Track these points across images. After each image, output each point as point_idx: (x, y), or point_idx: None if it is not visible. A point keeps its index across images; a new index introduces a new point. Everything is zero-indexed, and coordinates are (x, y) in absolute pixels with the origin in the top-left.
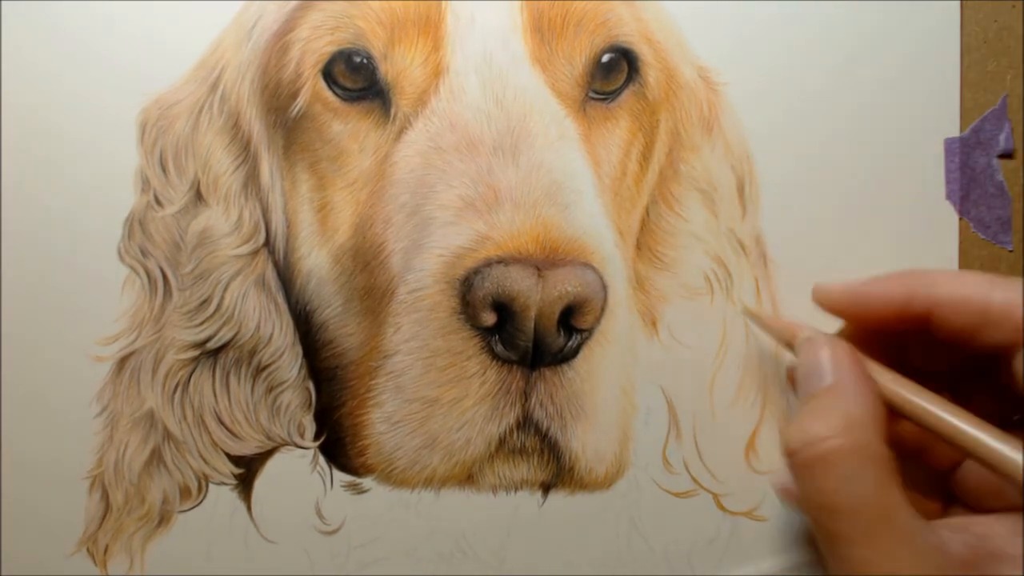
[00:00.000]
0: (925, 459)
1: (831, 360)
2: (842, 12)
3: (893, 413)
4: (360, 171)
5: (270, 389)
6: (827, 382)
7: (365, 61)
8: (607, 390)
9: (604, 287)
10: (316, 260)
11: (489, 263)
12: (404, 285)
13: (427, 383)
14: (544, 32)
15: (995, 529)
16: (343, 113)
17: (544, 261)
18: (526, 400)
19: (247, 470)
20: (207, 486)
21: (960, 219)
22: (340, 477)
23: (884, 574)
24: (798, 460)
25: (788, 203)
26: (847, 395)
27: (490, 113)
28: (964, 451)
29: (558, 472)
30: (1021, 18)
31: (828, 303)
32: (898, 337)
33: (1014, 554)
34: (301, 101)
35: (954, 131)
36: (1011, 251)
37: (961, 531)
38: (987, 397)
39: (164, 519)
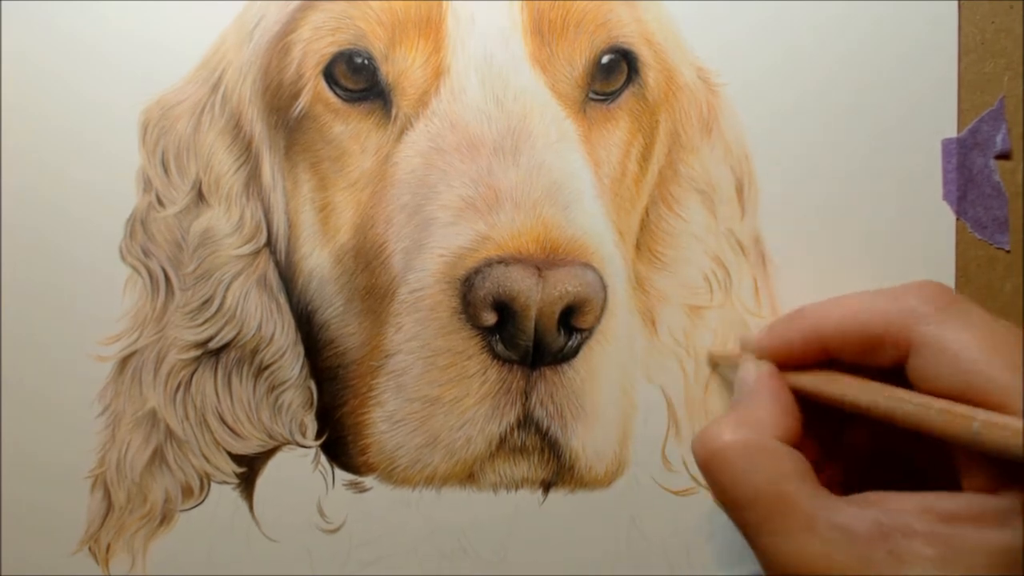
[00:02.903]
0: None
1: (753, 373)
2: (840, 13)
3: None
4: (361, 172)
5: (272, 388)
6: (746, 391)
7: (366, 62)
8: (607, 389)
9: (604, 287)
10: (318, 260)
11: (490, 263)
12: (405, 285)
13: (428, 382)
14: (544, 33)
15: (905, 505)
16: (344, 114)
17: (544, 261)
18: (526, 399)
19: (249, 469)
20: (209, 485)
21: (957, 220)
22: (342, 476)
23: (792, 558)
24: (698, 460)
25: (786, 204)
26: (749, 402)
27: (490, 114)
28: (885, 419)
29: (558, 470)
30: (1019, 19)
31: (756, 351)
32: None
33: (921, 530)
34: (303, 102)
35: (951, 132)
36: (1008, 252)
37: (872, 506)
38: None
39: (166, 518)
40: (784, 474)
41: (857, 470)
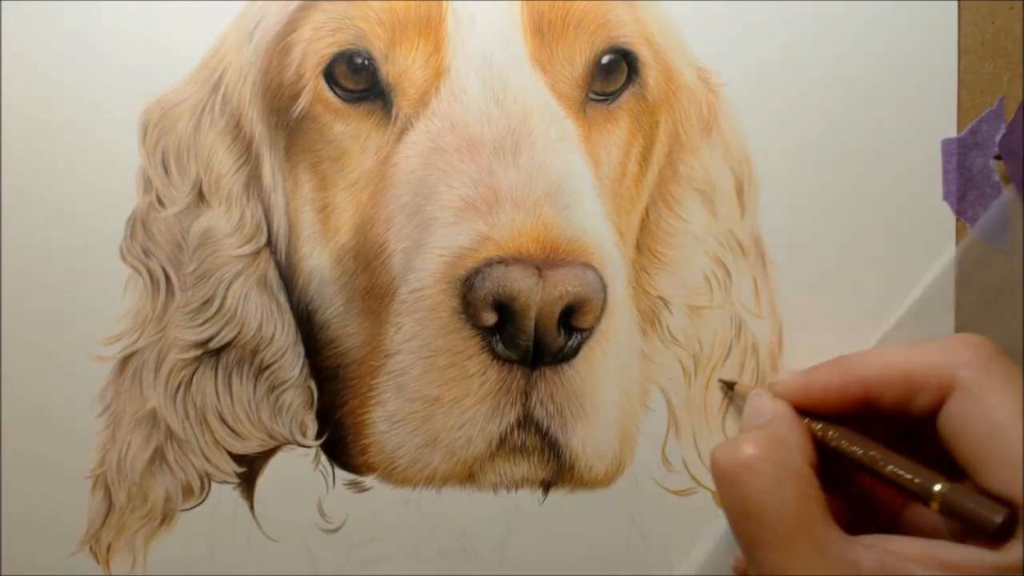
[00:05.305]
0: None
1: (771, 406)
2: (840, 13)
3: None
4: (361, 172)
5: (272, 388)
6: (763, 420)
7: (366, 62)
8: (607, 389)
9: (604, 287)
10: (318, 260)
11: (490, 263)
12: (405, 285)
13: (428, 382)
14: (544, 33)
15: (907, 549)
16: (344, 114)
17: (544, 261)
18: (526, 399)
19: (249, 469)
20: (209, 485)
21: (957, 220)
22: (342, 476)
23: None
24: (723, 468)
25: (786, 204)
26: (775, 426)
27: (490, 114)
28: (883, 479)
29: (558, 470)
30: (1019, 19)
31: (781, 394)
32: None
33: (921, 574)
34: (303, 102)
35: (951, 132)
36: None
37: (875, 547)
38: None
39: (167, 518)
40: (810, 497)
41: (852, 511)
